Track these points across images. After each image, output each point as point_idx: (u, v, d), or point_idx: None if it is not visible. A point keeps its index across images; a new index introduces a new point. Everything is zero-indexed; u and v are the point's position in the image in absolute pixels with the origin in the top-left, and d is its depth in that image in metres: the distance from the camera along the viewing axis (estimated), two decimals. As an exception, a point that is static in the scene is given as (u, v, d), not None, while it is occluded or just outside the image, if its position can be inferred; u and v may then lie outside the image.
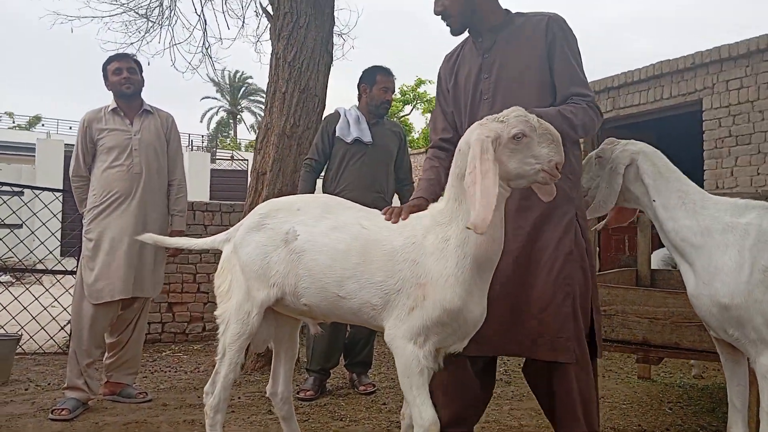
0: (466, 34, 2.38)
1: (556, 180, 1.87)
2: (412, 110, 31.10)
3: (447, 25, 2.33)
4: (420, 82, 30.31)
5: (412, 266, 1.97)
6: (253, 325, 2.24)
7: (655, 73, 7.76)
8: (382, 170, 3.89)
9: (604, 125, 3.92)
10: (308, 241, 2.14)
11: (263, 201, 4.58)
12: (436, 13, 2.33)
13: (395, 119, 29.42)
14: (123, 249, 3.42)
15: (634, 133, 4.84)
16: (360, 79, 4.01)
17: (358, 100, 4.02)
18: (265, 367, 4.26)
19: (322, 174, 3.99)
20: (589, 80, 2.29)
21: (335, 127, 3.85)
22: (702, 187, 2.40)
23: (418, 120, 39.85)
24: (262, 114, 5.06)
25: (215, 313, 2.37)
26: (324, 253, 2.10)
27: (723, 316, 2.15)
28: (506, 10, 2.34)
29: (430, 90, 30.59)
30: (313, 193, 3.84)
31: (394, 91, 4.06)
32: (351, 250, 2.06)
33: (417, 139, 30.05)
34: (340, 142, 3.84)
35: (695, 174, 2.50)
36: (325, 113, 4.42)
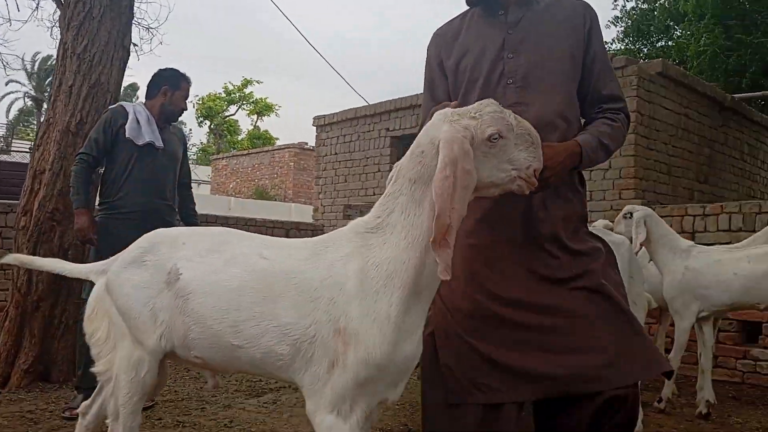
0: (460, 9, 2.03)
1: (533, 189, 1.59)
2: (237, 110, 30.49)
3: None
4: (247, 82, 29.84)
5: (329, 306, 1.56)
6: (147, 382, 1.88)
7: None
8: (170, 176, 3.72)
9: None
10: (193, 281, 1.76)
11: (39, 202, 4.23)
12: None
13: (220, 118, 28.61)
14: None
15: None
16: (160, 78, 3.75)
17: (149, 98, 3.75)
18: (32, 384, 3.89)
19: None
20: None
21: (123, 126, 3.57)
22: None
23: (244, 120, 39.17)
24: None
25: (95, 369, 1.97)
26: (212, 294, 1.72)
27: None
28: None
29: (257, 91, 30.29)
30: (90, 191, 3.59)
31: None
32: (246, 287, 1.68)
33: (242, 140, 29.47)
34: (128, 143, 3.55)
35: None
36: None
